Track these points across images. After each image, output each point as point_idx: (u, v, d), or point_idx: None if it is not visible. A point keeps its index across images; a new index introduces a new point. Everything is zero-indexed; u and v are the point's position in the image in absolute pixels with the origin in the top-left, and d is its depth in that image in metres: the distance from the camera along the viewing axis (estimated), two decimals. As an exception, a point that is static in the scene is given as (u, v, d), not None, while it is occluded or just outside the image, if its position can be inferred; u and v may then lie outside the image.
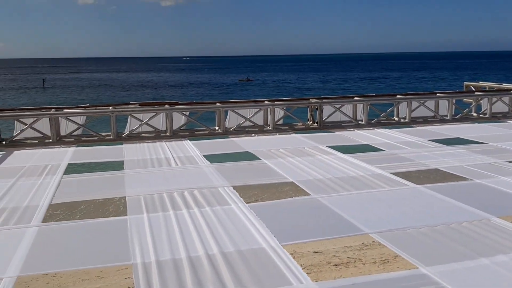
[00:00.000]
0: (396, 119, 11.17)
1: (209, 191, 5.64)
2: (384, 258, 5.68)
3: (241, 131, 9.90)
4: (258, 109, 10.18)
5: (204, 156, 7.58)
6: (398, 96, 11.48)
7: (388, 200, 5.33)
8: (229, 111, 10.05)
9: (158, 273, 3.49)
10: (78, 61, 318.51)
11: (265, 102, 10.33)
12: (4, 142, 8.41)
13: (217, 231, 4.34)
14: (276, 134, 9.75)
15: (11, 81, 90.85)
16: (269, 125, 10.10)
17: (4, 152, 7.83)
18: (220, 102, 10.14)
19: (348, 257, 5.85)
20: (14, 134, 8.58)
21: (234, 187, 5.79)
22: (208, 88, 70.27)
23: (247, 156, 7.84)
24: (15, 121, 8.67)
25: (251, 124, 10.20)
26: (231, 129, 9.85)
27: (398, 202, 5.28)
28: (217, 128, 9.94)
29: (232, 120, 10.11)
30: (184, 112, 9.69)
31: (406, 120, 10.97)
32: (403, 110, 11.16)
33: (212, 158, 7.49)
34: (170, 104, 9.83)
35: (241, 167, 7.05)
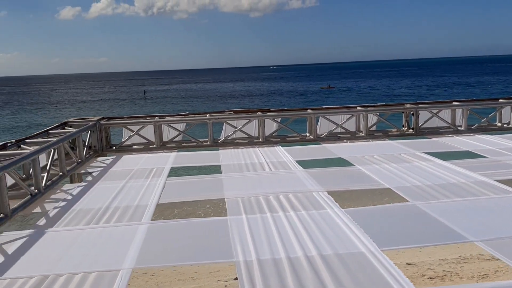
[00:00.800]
0: (499, 124, 10.46)
1: (304, 195, 5.72)
2: (483, 273, 5.37)
3: (332, 137, 9.88)
4: (350, 115, 10.09)
5: (297, 161, 7.69)
6: (500, 100, 10.75)
7: (493, 208, 5.04)
8: (320, 117, 10.08)
9: (259, 271, 3.63)
10: (173, 73, 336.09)
11: (358, 108, 10.21)
12: (114, 148, 9.18)
13: (314, 234, 4.40)
14: (369, 140, 9.59)
15: (116, 93, 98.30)
16: (361, 131, 9.97)
17: (114, 157, 8.55)
18: (311, 109, 10.20)
19: (443, 270, 5.61)
20: (122, 140, 9.33)
21: (329, 192, 5.81)
22: (289, 97, 70.92)
23: (340, 162, 7.81)
24: (124, 128, 9.41)
25: (342, 130, 10.13)
26: (322, 135, 9.87)
27: (504, 210, 4.98)
28: (308, 134, 10.01)
29: (323, 126, 10.12)
30: (276, 119, 9.89)
31: (511, 125, 10.24)
32: (506, 115, 10.43)
33: (305, 164, 7.57)
34: (262, 111, 10.08)
35: (334, 172, 7.05)
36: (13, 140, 6.59)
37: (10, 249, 4.20)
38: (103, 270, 3.69)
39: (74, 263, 3.88)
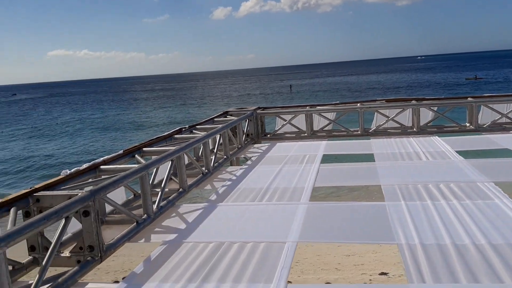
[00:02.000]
0: None
1: (467, 185, 5.42)
2: None
3: (496, 127, 9.09)
4: (517, 104, 9.16)
5: (457, 151, 7.27)
6: None
7: None
8: (482, 106, 9.34)
9: (424, 255, 3.59)
10: (318, 66, 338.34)
11: (527, 95, 9.23)
12: (268, 135, 9.70)
13: (481, 224, 4.18)
14: (542, 131, 8.62)
15: (263, 88, 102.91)
16: (532, 121, 8.99)
17: (269, 144, 9.05)
18: (472, 97, 9.50)
19: None
20: (275, 129, 9.81)
21: (496, 183, 5.42)
22: (428, 89, 66.49)
23: (507, 153, 7.19)
24: (277, 118, 9.88)
25: (508, 120, 9.25)
26: (484, 126, 9.13)
27: None
28: (468, 124, 9.35)
29: (485, 115, 9.37)
30: (431, 108, 9.43)
31: None
32: None
33: (466, 154, 7.13)
34: (417, 99, 9.70)
35: (502, 163, 6.52)
36: (186, 126, 7.40)
37: (190, 218, 4.77)
38: (270, 241, 4.01)
39: (245, 233, 4.27)
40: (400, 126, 9.48)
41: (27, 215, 3.69)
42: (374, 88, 76.83)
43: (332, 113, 9.69)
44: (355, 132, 9.52)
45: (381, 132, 9.36)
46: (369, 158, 7.47)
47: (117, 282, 3.41)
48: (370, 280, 9.32)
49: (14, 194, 3.64)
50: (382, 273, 9.58)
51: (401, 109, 9.42)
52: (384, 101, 9.93)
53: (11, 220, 3.34)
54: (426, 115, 9.47)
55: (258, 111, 9.67)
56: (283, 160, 7.38)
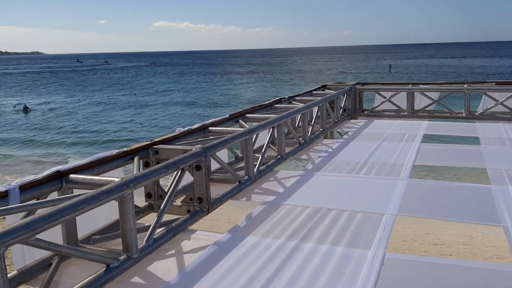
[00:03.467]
0: None
1: None
2: None
3: None
4: None
5: None
6: None
7: None
8: None
9: (532, 239, 3.45)
10: (418, 47, 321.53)
11: None
12: (366, 112, 9.57)
13: None
14: None
15: (360, 67, 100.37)
16: None
17: (366, 120, 8.94)
18: None
19: None
20: (374, 105, 9.63)
21: None
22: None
23: None
24: (376, 94, 9.68)
25: None
26: None
27: None
28: None
29: None
30: (549, 93, 8.67)
31: None
32: None
33: None
34: (532, 83, 8.96)
35: None
36: (286, 97, 7.55)
37: (287, 183, 4.95)
38: (368, 211, 4.06)
39: (342, 202, 4.35)
40: (510, 111, 8.85)
41: (146, 165, 4.08)
42: (480, 72, 71.68)
43: (436, 92, 9.28)
44: (460, 114, 9.07)
45: (488, 116, 8.82)
46: (474, 141, 7.13)
47: (222, 233, 3.68)
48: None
49: (136, 144, 4.04)
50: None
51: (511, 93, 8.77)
52: (494, 83, 9.30)
53: (136, 166, 3.74)
54: (542, 101, 8.74)
55: (357, 86, 9.55)
56: (381, 137, 7.28)
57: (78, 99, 54.78)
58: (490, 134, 7.39)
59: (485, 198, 4.40)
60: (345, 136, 7.58)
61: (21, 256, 2.91)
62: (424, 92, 9.21)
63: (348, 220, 3.90)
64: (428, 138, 7.37)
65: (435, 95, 9.30)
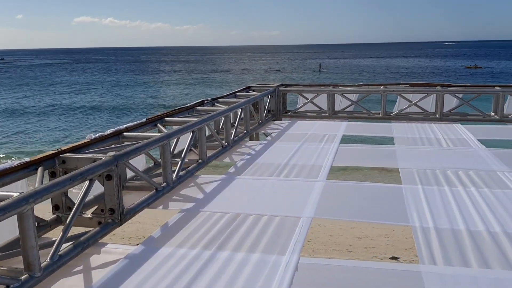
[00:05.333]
0: None
1: (487, 174, 5.39)
2: None
3: (522, 118, 8.92)
4: (547, 95, 8.95)
5: (479, 140, 7.20)
6: None
7: None
8: (508, 96, 9.16)
9: (437, 238, 3.63)
10: (344, 47, 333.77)
11: (558, 87, 9.00)
12: (289, 113, 9.72)
13: (498, 212, 4.18)
14: None
15: (289, 65, 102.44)
16: (560, 113, 8.79)
17: (289, 121, 9.08)
18: (499, 86, 9.33)
19: None
20: (297, 107, 9.81)
21: (517, 173, 5.38)
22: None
23: (531, 144, 7.08)
24: (299, 95, 9.87)
25: (535, 111, 9.06)
26: (510, 116, 8.97)
27: None
28: (493, 113, 9.20)
29: (511, 105, 9.19)
30: (457, 94, 9.29)
31: None
32: None
33: (489, 143, 7.05)
34: (442, 85, 9.56)
35: (524, 154, 6.44)
36: (209, 99, 7.47)
37: (208, 188, 4.88)
38: (286, 215, 4.08)
39: (261, 206, 4.35)
40: (422, 111, 9.38)
41: (53, 175, 3.83)
42: (401, 72, 75.99)
43: (355, 94, 9.63)
44: (376, 115, 9.46)
45: (403, 117, 9.28)
46: (389, 141, 7.46)
47: (134, 245, 3.53)
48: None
49: (41, 154, 3.78)
50: (393, 258, 9.67)
51: (425, 94, 9.30)
52: (408, 85, 9.81)
53: (39, 179, 3.48)
54: (450, 101, 9.33)
55: (281, 88, 9.67)
56: (302, 138, 7.41)
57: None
58: (404, 134, 7.77)
59: (396, 198, 4.59)
60: (269, 138, 7.63)
61: None
62: (344, 94, 9.52)
63: (265, 225, 3.90)
64: (347, 139, 7.61)
65: (354, 97, 9.64)
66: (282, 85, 9.89)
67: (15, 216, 2.76)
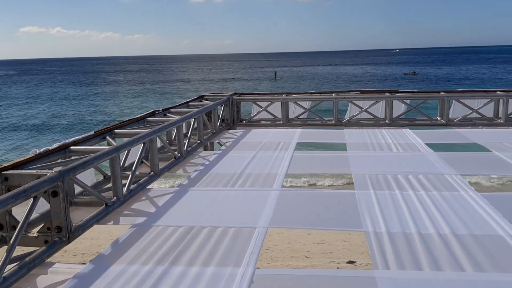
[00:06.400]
0: None
1: (435, 177, 5.56)
2: None
3: (466, 122, 9.31)
4: (488, 100, 9.40)
5: (427, 144, 7.44)
6: None
7: None
8: (453, 101, 9.55)
9: (390, 242, 3.68)
10: (295, 55, 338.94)
11: (498, 92, 9.47)
12: (244, 122, 9.70)
13: (447, 214, 4.30)
14: (509, 128, 8.87)
15: (242, 73, 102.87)
16: (500, 117, 9.24)
17: (244, 130, 9.05)
18: (444, 91, 9.70)
19: None
20: (251, 115, 9.81)
21: (463, 176, 5.58)
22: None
23: (475, 147, 7.38)
24: (253, 104, 9.87)
25: (478, 116, 9.49)
26: (455, 120, 9.35)
27: None
28: (439, 118, 9.55)
29: (456, 110, 9.58)
30: (404, 100, 9.59)
31: None
32: None
33: (436, 147, 7.29)
34: (390, 92, 9.84)
35: (469, 157, 6.70)
36: (160, 109, 7.32)
37: (160, 202, 4.75)
38: (241, 226, 4.03)
39: (215, 218, 4.28)
40: (373, 117, 9.61)
41: (-7, 193, 3.61)
42: (348, 79, 78.28)
43: (308, 102, 9.74)
44: (329, 122, 9.61)
45: (355, 123, 9.47)
46: (342, 147, 7.57)
47: (84, 263, 3.37)
48: (337, 268, 9.53)
49: (-20, 171, 3.55)
50: (350, 262, 9.80)
51: (374, 101, 9.53)
52: (358, 92, 10.03)
53: (-23, 198, 3.26)
54: (399, 107, 9.62)
55: (234, 96, 9.64)
56: (257, 147, 7.40)
57: None
58: (356, 140, 7.92)
59: (350, 203, 4.64)
60: (223, 147, 7.57)
61: None
62: (297, 102, 9.61)
63: (220, 238, 3.83)
64: (301, 146, 7.67)
65: (307, 104, 9.75)
66: (235, 93, 9.87)
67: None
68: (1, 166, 3.75)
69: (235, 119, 9.68)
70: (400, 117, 9.57)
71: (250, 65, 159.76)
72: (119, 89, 74.14)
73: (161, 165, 5.79)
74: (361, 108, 9.57)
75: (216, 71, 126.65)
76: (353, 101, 9.67)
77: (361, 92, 10.05)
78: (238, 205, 4.72)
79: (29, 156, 4.12)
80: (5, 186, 3.67)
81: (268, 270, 3.73)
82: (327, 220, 4.32)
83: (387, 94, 9.61)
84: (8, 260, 3.02)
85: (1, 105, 53.70)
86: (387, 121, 9.38)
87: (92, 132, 5.22)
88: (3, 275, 2.95)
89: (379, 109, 9.68)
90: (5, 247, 3.63)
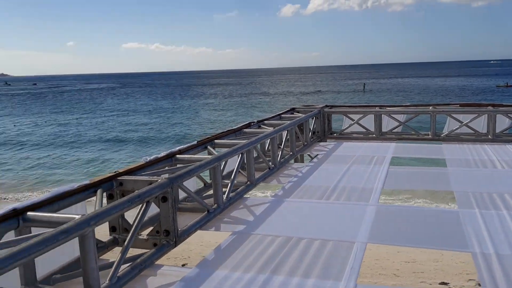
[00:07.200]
0: None
1: (549, 197, 5.13)
2: None
3: None
4: None
5: (537, 162, 6.88)
6: None
7: None
8: None
9: (499, 265, 3.46)
10: (386, 67, 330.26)
11: None
12: (334, 134, 9.64)
13: None
14: None
15: (331, 85, 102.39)
16: None
17: (335, 143, 9.00)
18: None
19: None
20: (342, 128, 9.72)
21: None
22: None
23: None
24: (344, 117, 9.78)
25: None
26: None
27: None
28: (549, 134, 8.80)
29: None
30: (509, 115, 8.95)
31: None
32: None
33: (547, 166, 6.73)
34: (493, 105, 9.25)
35: None
36: (255, 121, 7.53)
37: (257, 211, 4.87)
38: (339, 240, 4.01)
39: (312, 230, 4.30)
40: (474, 132, 9.08)
41: (110, 197, 3.94)
42: (447, 91, 74.55)
43: (402, 115, 9.45)
44: (426, 136, 9.24)
45: (453, 138, 9.02)
46: (441, 163, 7.24)
47: (189, 267, 3.56)
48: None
49: (100, 176, 3.90)
50: (443, 283, 9.29)
51: (476, 115, 9.01)
52: (458, 105, 9.55)
53: (98, 201, 3.59)
54: (503, 122, 9.01)
55: (326, 109, 9.63)
56: (350, 160, 7.31)
57: (45, 121, 53.66)
58: (456, 156, 7.53)
59: (453, 222, 4.43)
60: (315, 160, 7.58)
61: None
62: (391, 114, 9.37)
63: (319, 250, 3.84)
64: (396, 161, 7.45)
65: (402, 117, 9.46)
66: (327, 106, 9.85)
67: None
68: (116, 172, 4.08)
69: (326, 131, 9.65)
70: (504, 132, 8.95)
71: (337, 77, 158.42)
72: (212, 101, 77.10)
73: (257, 175, 5.94)
74: (461, 122, 9.09)
75: (303, 83, 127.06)
76: (452, 115, 9.22)
77: (461, 105, 9.55)
78: (335, 218, 4.70)
79: (141, 163, 4.44)
80: (120, 190, 3.99)
81: (370, 286, 3.66)
82: (430, 238, 4.15)
83: (489, 107, 9.05)
84: (123, 260, 3.26)
85: (14, 125, 51.71)
86: (489, 136, 8.82)
87: (195, 142, 5.51)
88: (118, 275, 3.19)
89: (480, 124, 9.14)
90: (117, 248, 3.95)
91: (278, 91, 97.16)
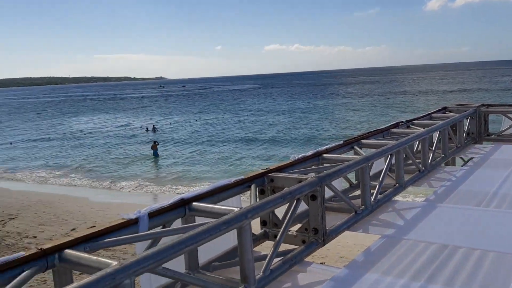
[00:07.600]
0: None
1: None
2: None
3: None
4: None
5: None
6: None
7: None
8: None
9: None
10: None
11: None
12: (492, 136, 8.76)
13: None
14: None
15: (483, 83, 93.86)
16: None
17: (493, 145, 8.17)
18: None
19: None
20: (501, 129, 8.79)
21: None
22: None
23: None
24: (503, 117, 8.84)
25: None
26: None
27: None
28: None
29: None
30: None
31: None
32: None
33: None
34: None
35: None
36: (403, 120, 7.20)
37: (408, 215, 4.65)
38: (502, 251, 3.64)
39: (471, 239, 3.97)
40: None
41: (262, 192, 4.10)
42: None
43: None
44: None
45: None
46: None
47: (338, 267, 3.54)
48: None
49: (253, 172, 4.09)
50: None
51: None
52: None
53: (253, 195, 3.76)
54: None
55: (482, 108, 8.80)
56: (511, 164, 6.58)
57: (196, 120, 59.35)
58: None
59: None
60: (470, 163, 6.99)
61: (147, 283, 3.06)
62: None
63: (479, 261, 3.53)
64: None
65: None
66: (483, 105, 9.00)
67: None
68: (268, 169, 4.23)
69: (482, 133, 8.81)
70: None
71: (488, 73, 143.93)
72: (353, 101, 76.11)
73: (406, 177, 5.67)
74: None
75: (448, 81, 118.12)
76: None
77: None
78: (496, 227, 4.26)
79: (289, 161, 4.55)
80: (270, 187, 4.13)
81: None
82: None
83: None
84: (275, 254, 3.37)
85: (11, 143, 47.29)
86: None
87: (342, 141, 5.47)
88: (270, 268, 3.31)
89: None
90: (266, 242, 4.10)
91: (419, 90, 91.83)
